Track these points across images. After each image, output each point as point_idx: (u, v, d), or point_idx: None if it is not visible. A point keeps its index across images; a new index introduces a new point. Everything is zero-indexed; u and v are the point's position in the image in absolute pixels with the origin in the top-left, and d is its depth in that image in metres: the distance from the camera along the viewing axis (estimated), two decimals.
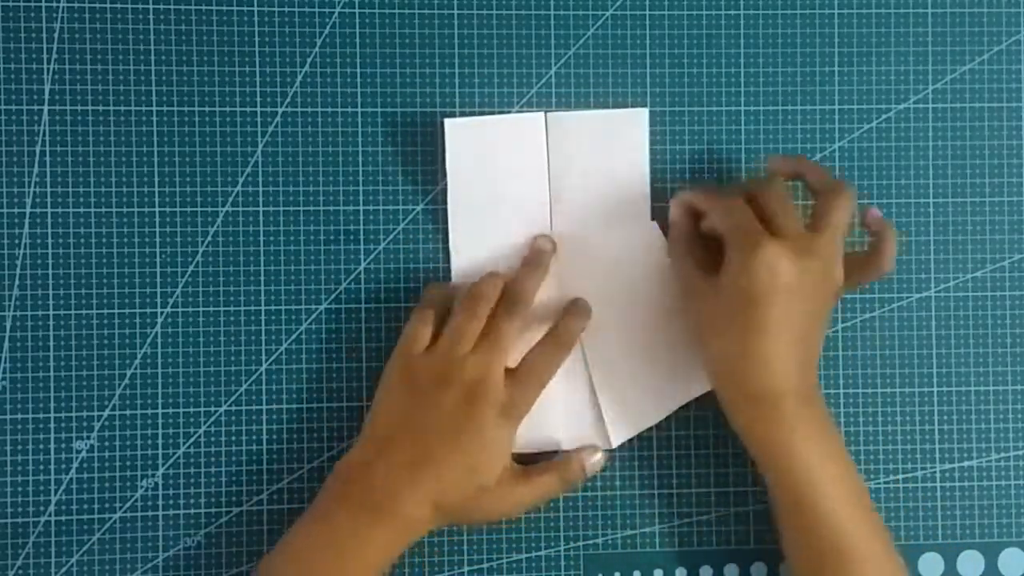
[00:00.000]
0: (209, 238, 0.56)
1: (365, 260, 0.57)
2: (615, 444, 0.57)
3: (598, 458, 0.56)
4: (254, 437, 0.56)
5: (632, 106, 0.58)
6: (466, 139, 0.56)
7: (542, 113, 0.57)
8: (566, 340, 0.54)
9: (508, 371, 0.53)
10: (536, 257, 0.56)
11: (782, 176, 0.55)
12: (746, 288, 0.50)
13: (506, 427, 0.52)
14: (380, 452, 0.52)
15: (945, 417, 0.58)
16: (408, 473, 0.51)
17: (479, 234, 0.57)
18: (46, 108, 0.56)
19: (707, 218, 0.54)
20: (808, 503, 0.50)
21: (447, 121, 0.56)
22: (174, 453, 0.56)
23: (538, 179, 0.57)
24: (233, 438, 0.56)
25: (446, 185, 0.56)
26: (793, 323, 0.50)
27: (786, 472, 0.51)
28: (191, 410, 0.56)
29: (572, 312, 0.55)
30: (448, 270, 0.57)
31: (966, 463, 0.58)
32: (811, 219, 0.53)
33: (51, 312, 0.55)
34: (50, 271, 0.55)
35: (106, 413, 0.56)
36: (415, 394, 0.52)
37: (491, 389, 0.52)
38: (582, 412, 0.57)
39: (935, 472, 0.58)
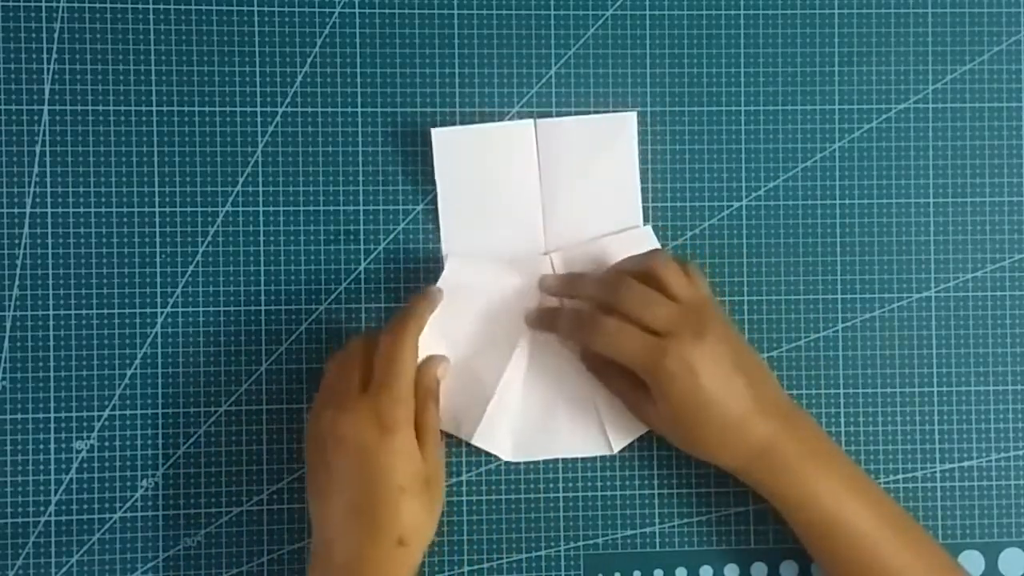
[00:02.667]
0: (209, 238, 0.56)
1: (365, 260, 0.57)
2: (616, 450, 0.57)
3: (444, 365, 0.55)
4: (254, 437, 0.56)
5: (632, 106, 0.58)
6: (454, 148, 0.56)
7: (531, 121, 0.57)
8: (413, 316, 0.53)
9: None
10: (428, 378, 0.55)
11: (600, 289, 0.54)
12: (680, 398, 0.50)
13: (400, 432, 0.50)
14: (328, 521, 0.50)
15: (945, 417, 0.58)
16: (354, 523, 0.49)
17: (471, 243, 0.57)
18: (46, 108, 0.56)
19: (603, 352, 0.53)
20: (842, 530, 0.50)
21: (433, 131, 0.56)
22: (174, 453, 0.56)
23: (529, 187, 0.57)
24: (233, 438, 0.56)
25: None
26: (739, 388, 0.51)
27: (814, 511, 0.51)
28: (191, 410, 0.56)
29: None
30: None
31: (966, 463, 0.58)
32: (666, 295, 0.52)
33: (51, 312, 0.55)
34: (50, 271, 0.55)
35: (106, 413, 0.56)
36: (322, 448, 0.50)
37: (392, 402, 0.50)
38: (583, 419, 0.57)
39: (935, 472, 0.58)
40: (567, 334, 0.55)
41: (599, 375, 0.56)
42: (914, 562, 0.51)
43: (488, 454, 0.56)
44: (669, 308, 0.51)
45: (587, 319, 0.53)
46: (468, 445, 0.56)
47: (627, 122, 0.57)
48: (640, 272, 0.53)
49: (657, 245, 0.57)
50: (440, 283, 0.56)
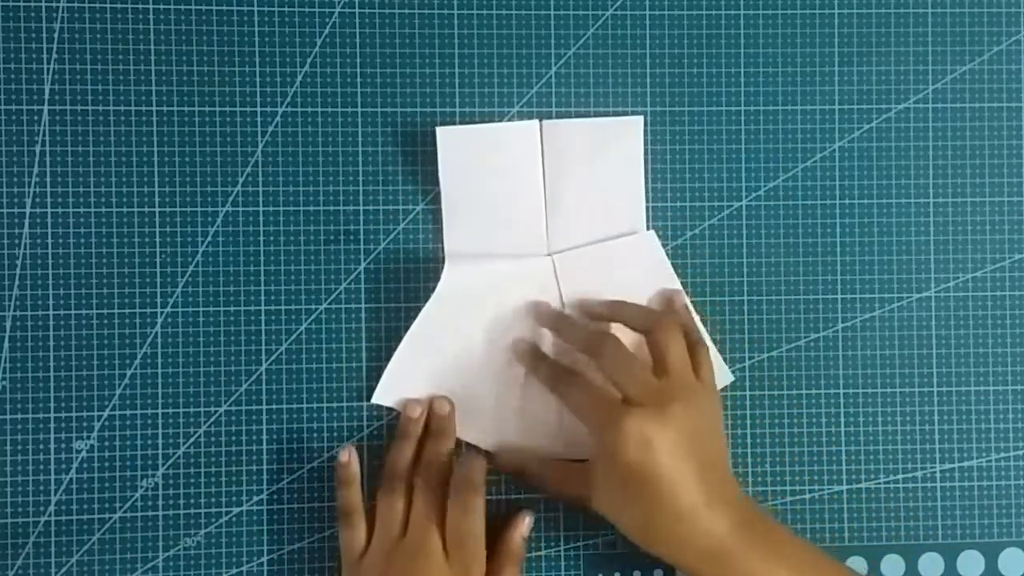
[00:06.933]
0: (209, 238, 0.56)
1: (365, 260, 0.57)
2: None
3: (529, 521, 0.55)
4: (254, 437, 0.56)
5: (632, 106, 0.58)
6: (459, 147, 0.56)
7: (537, 121, 0.57)
8: (475, 487, 0.53)
9: (444, 541, 0.52)
10: (440, 424, 0.55)
11: (603, 319, 0.54)
12: (628, 464, 0.48)
13: None
14: None
15: (945, 417, 0.58)
16: None
17: (473, 243, 0.57)
18: (46, 108, 0.56)
19: (558, 398, 0.53)
20: None
21: (439, 129, 0.56)
22: (174, 453, 0.56)
23: (533, 188, 0.57)
24: (233, 438, 0.56)
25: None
26: (693, 478, 0.48)
27: None
28: (191, 410, 0.56)
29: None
30: None
31: (966, 463, 0.58)
32: (653, 363, 0.51)
33: (51, 312, 0.55)
34: (50, 271, 0.55)
35: (106, 413, 0.56)
36: None
37: (434, 567, 0.50)
38: (578, 422, 0.57)
39: (935, 472, 0.58)
40: (545, 383, 0.55)
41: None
42: None
43: (488, 455, 0.56)
44: (647, 379, 0.50)
45: (562, 375, 0.53)
46: (468, 446, 0.56)
47: (634, 126, 0.57)
48: (644, 329, 0.53)
49: (660, 251, 0.57)
50: (439, 287, 0.56)
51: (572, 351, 0.54)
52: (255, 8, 0.56)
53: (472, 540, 0.51)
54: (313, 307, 0.57)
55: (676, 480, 0.48)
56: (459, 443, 0.56)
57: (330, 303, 0.57)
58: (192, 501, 0.56)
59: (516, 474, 0.56)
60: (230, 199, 0.56)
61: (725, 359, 0.58)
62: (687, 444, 0.48)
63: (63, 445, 0.55)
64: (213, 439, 0.56)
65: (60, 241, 0.56)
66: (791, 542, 0.50)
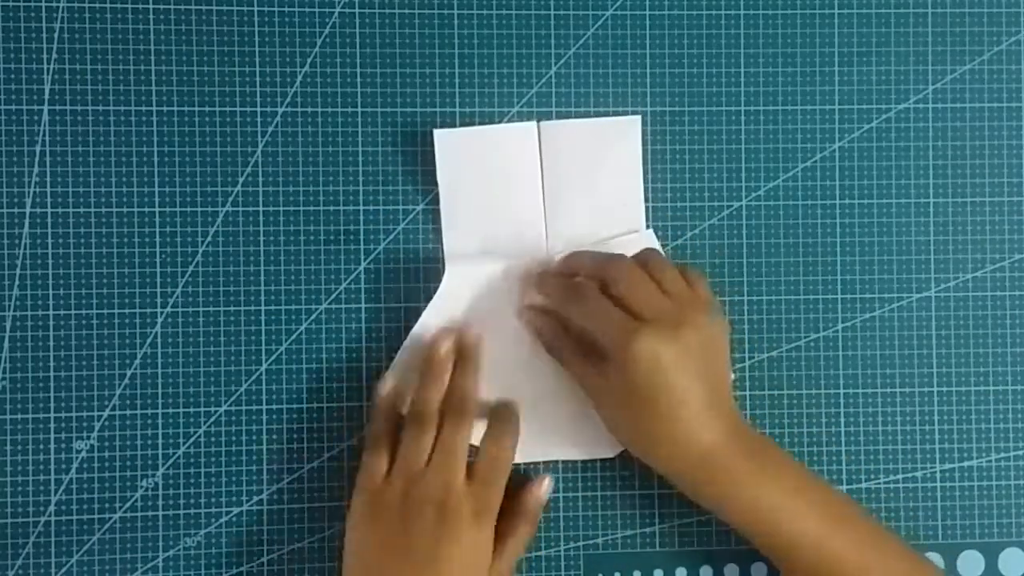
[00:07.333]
0: (209, 238, 0.56)
1: (365, 260, 0.57)
2: (614, 453, 0.57)
3: (548, 483, 0.56)
4: (254, 437, 0.56)
5: (632, 106, 0.58)
6: (457, 149, 0.56)
7: (534, 123, 0.57)
8: (512, 425, 0.54)
9: (468, 471, 0.52)
10: (467, 354, 0.55)
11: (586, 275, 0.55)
12: (637, 382, 0.50)
13: (483, 529, 0.51)
14: None
15: (945, 417, 0.58)
16: None
17: (473, 246, 0.57)
18: (46, 108, 0.56)
19: (571, 322, 0.54)
20: (784, 534, 0.50)
21: (436, 132, 0.56)
22: (174, 453, 0.56)
23: (532, 189, 0.57)
24: (233, 438, 0.56)
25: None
26: (696, 388, 0.50)
27: (757, 526, 0.50)
28: (191, 410, 0.56)
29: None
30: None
31: (966, 463, 0.58)
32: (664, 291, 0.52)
33: (51, 312, 0.55)
34: (50, 271, 0.55)
35: (106, 413, 0.56)
36: (386, 525, 0.51)
37: (458, 500, 0.51)
38: (582, 422, 0.57)
39: (935, 472, 0.58)
40: (554, 301, 0.55)
41: (564, 360, 0.55)
42: (859, 557, 0.50)
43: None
44: (659, 297, 0.52)
45: (572, 286, 0.54)
46: (469, 447, 0.56)
47: (632, 126, 0.57)
48: (638, 263, 0.54)
49: (659, 249, 0.57)
50: (440, 290, 0.56)
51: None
52: (255, 8, 0.56)
53: (497, 475, 0.53)
54: (313, 307, 0.57)
55: (683, 387, 0.50)
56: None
57: (330, 303, 0.57)
58: (192, 501, 0.56)
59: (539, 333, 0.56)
60: (230, 199, 0.56)
61: None
62: (695, 361, 0.50)
63: (63, 445, 0.55)
64: (213, 439, 0.56)
65: (60, 241, 0.56)
66: (785, 464, 0.51)
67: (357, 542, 0.52)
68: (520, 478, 0.56)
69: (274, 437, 0.56)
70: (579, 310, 0.53)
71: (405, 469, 0.52)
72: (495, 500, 0.52)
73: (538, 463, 0.57)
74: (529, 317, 0.56)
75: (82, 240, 0.56)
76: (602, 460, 0.57)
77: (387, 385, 0.55)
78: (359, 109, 0.57)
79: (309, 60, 0.57)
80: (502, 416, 0.55)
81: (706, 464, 0.50)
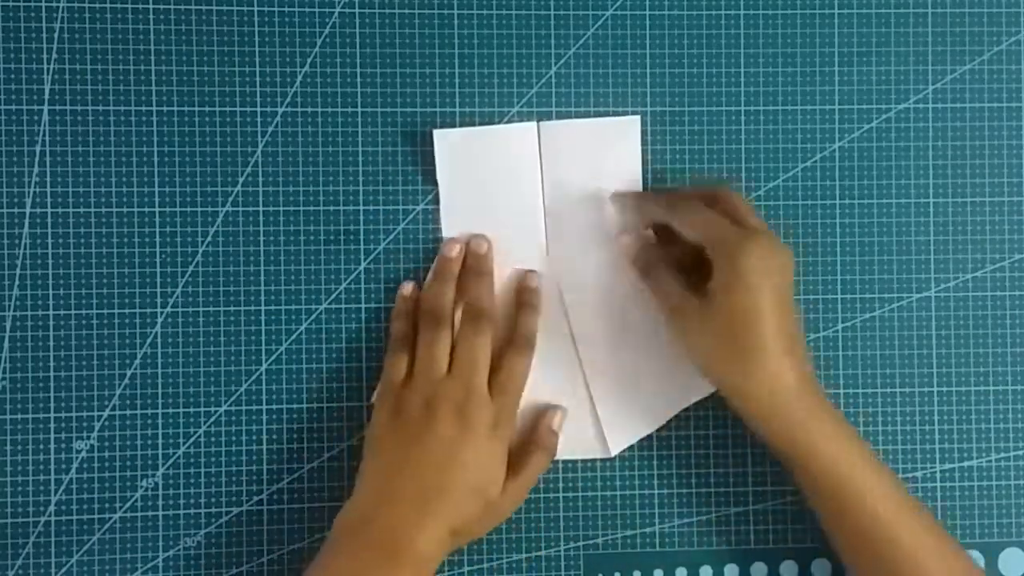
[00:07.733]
0: (209, 238, 0.56)
1: (365, 260, 0.57)
2: (614, 453, 0.57)
3: (560, 415, 0.56)
4: (254, 437, 0.56)
5: (632, 106, 0.58)
6: (457, 149, 0.56)
7: (535, 123, 0.57)
8: (528, 340, 0.55)
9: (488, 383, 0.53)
10: (478, 263, 0.56)
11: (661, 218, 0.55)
12: (740, 300, 0.49)
13: (499, 438, 0.52)
14: (383, 497, 0.50)
15: (945, 417, 0.58)
16: (417, 511, 0.50)
17: None
18: (46, 108, 0.56)
19: (683, 233, 0.53)
20: (846, 486, 0.50)
21: (436, 132, 0.56)
22: (174, 453, 0.56)
23: (532, 189, 0.57)
24: (233, 438, 0.56)
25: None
26: (787, 320, 0.50)
27: (819, 464, 0.50)
28: (191, 410, 0.56)
29: (524, 308, 0.56)
30: None
31: (966, 463, 0.58)
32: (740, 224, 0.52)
33: (51, 312, 0.55)
34: (50, 271, 0.55)
35: (106, 413, 0.56)
36: (406, 427, 0.52)
37: (479, 405, 0.52)
38: (581, 421, 0.57)
39: (935, 472, 0.58)
40: (661, 213, 0.54)
41: (647, 275, 0.55)
42: (910, 520, 0.50)
43: None
44: (758, 218, 0.53)
45: (680, 197, 0.54)
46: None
47: (631, 126, 0.57)
48: (709, 204, 0.54)
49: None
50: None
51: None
52: (255, 8, 0.56)
53: (514, 386, 0.54)
54: (313, 307, 0.57)
55: (777, 326, 0.50)
56: None
57: (330, 303, 0.57)
58: (192, 501, 0.56)
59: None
60: (230, 199, 0.56)
61: None
62: (788, 282, 0.51)
63: (63, 445, 0.55)
64: (213, 439, 0.56)
65: (60, 241, 0.56)
66: (841, 422, 0.51)
67: (377, 448, 0.52)
68: (533, 411, 0.56)
69: (274, 437, 0.56)
70: (690, 219, 0.52)
71: (425, 374, 0.52)
72: (511, 412, 0.53)
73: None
74: (626, 242, 0.56)
75: (82, 240, 0.56)
76: (602, 460, 0.57)
77: (408, 287, 0.56)
78: (359, 109, 0.57)
79: (309, 60, 0.57)
80: (519, 329, 0.55)
81: (775, 397, 0.50)
